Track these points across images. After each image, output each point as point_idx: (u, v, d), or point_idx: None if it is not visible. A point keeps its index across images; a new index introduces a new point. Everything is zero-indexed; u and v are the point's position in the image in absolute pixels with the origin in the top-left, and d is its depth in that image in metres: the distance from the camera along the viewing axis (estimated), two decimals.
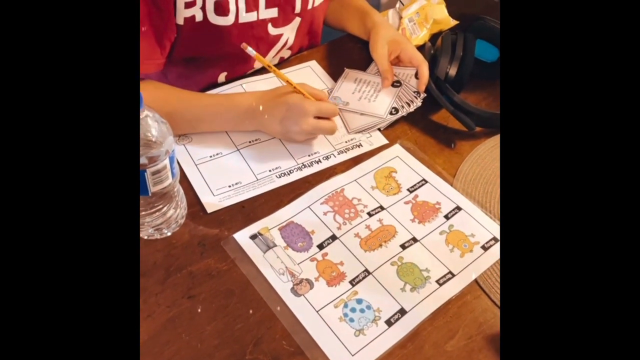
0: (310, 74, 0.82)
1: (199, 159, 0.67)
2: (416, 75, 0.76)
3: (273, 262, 0.58)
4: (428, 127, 0.76)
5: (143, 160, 0.51)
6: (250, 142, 0.70)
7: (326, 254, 0.59)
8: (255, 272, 0.57)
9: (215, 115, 0.68)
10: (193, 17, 0.67)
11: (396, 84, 0.77)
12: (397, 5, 0.89)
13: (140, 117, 0.50)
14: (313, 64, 0.83)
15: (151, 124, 0.51)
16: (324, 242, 0.60)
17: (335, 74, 0.81)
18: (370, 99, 0.76)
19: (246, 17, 0.71)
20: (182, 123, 0.68)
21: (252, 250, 0.59)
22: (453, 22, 0.86)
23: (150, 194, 0.53)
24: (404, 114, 0.74)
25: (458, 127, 0.75)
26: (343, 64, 0.83)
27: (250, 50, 0.65)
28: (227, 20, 0.70)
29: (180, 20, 0.67)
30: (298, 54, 0.85)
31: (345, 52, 0.86)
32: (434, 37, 0.86)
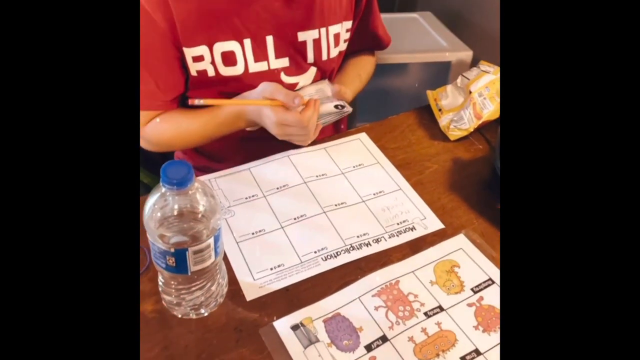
0: (359, 146, 0.79)
1: (241, 235, 0.63)
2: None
3: None
4: (496, 217, 0.69)
5: (185, 237, 0.47)
6: (295, 219, 0.66)
7: (374, 358, 0.52)
8: None
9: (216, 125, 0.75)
10: (205, 71, 0.72)
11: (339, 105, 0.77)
12: (459, 79, 0.85)
13: (190, 192, 0.47)
14: (363, 136, 0.80)
15: (199, 199, 0.48)
16: (372, 342, 0.54)
17: (384, 148, 0.78)
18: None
19: (256, 67, 0.74)
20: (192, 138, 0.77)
21: (291, 343, 0.53)
22: None
23: (189, 273, 0.49)
24: (348, 110, 0.76)
25: None
26: (391, 137, 0.81)
27: (198, 101, 0.67)
28: (237, 70, 0.73)
29: (193, 72, 0.72)
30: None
31: (393, 127, 0.83)
32: None
